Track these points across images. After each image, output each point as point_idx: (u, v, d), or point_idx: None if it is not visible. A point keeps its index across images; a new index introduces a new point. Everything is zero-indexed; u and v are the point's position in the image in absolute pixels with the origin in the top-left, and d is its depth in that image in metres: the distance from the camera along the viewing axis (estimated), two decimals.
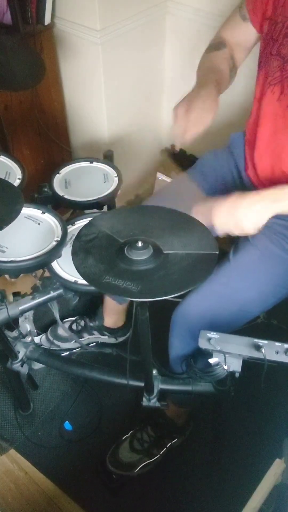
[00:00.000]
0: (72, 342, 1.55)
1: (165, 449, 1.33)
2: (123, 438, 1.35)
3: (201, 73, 1.09)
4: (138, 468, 1.30)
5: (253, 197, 0.90)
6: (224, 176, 1.23)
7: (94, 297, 1.66)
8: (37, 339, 1.54)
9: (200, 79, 1.07)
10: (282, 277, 1.05)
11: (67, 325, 1.58)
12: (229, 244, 1.15)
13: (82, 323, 1.57)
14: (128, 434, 1.35)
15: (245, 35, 1.09)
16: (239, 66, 1.15)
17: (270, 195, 0.91)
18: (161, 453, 1.33)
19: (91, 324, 1.55)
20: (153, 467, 1.32)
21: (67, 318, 1.62)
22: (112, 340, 1.58)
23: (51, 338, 1.55)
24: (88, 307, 1.66)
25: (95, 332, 1.56)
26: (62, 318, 1.59)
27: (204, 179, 1.23)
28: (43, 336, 1.58)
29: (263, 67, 1.03)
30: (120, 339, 1.58)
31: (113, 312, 1.53)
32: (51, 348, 1.54)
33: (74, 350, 1.56)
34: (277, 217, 1.09)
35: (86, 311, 1.63)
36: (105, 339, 1.57)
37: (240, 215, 0.88)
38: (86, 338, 1.56)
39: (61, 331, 1.56)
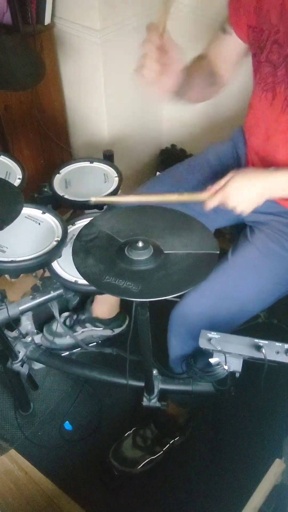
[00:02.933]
0: (68, 337, 1.55)
1: (167, 446, 1.33)
2: (126, 434, 1.35)
3: None
4: (141, 465, 1.30)
5: (255, 177, 0.92)
6: (228, 167, 1.23)
7: None
8: (37, 339, 1.53)
9: None
10: (281, 275, 1.05)
11: (61, 320, 1.57)
12: (228, 243, 1.15)
13: (74, 316, 1.56)
14: (131, 431, 1.35)
15: (228, 47, 1.08)
16: (226, 81, 1.13)
17: (272, 180, 0.93)
18: (163, 450, 1.33)
19: (82, 317, 1.55)
20: (155, 465, 1.32)
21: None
22: (108, 332, 1.57)
23: (49, 337, 1.55)
24: (78, 301, 1.65)
25: (88, 325, 1.55)
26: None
27: (209, 168, 1.22)
28: (41, 336, 1.58)
29: (256, 74, 1.04)
30: (117, 331, 1.57)
31: (105, 302, 1.52)
32: (51, 347, 1.54)
33: (74, 350, 1.56)
34: (276, 214, 1.10)
35: (76, 305, 1.62)
36: (100, 330, 1.56)
37: (238, 198, 0.91)
38: (80, 332, 1.55)
39: (57, 327, 1.56)
